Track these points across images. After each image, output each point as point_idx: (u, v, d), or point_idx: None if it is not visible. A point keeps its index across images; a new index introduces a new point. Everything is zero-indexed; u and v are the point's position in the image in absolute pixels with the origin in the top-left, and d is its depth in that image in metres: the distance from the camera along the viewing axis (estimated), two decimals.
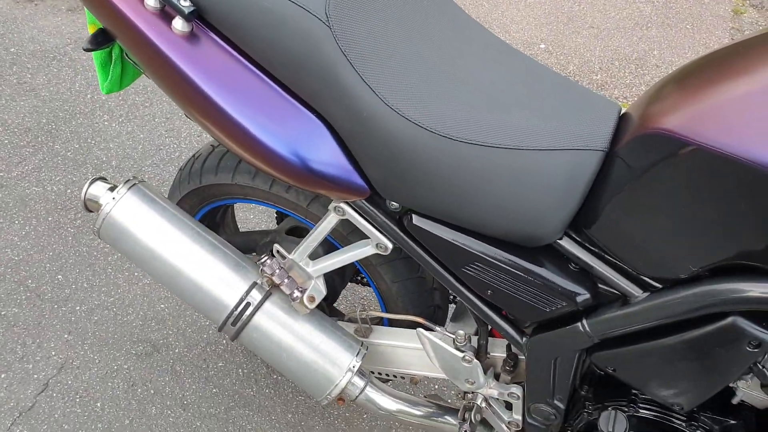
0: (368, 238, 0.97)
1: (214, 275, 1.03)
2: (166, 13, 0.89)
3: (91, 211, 1.06)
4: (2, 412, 1.47)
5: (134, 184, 1.05)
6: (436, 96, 0.83)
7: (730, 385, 0.85)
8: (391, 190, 0.88)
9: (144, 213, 1.03)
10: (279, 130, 0.87)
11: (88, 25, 1.03)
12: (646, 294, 0.80)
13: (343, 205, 0.95)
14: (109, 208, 1.02)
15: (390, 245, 0.95)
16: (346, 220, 0.97)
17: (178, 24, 0.87)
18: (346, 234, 1.08)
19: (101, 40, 0.99)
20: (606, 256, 0.82)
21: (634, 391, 0.94)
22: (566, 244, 0.84)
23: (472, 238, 0.88)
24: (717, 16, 3.00)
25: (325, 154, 0.87)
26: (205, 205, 1.27)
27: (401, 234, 0.93)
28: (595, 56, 2.74)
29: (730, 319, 0.73)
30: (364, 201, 0.92)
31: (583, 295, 0.84)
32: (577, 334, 0.86)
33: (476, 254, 0.88)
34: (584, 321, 0.85)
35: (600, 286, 0.84)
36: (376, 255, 0.99)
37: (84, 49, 0.98)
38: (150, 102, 2.33)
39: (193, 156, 1.22)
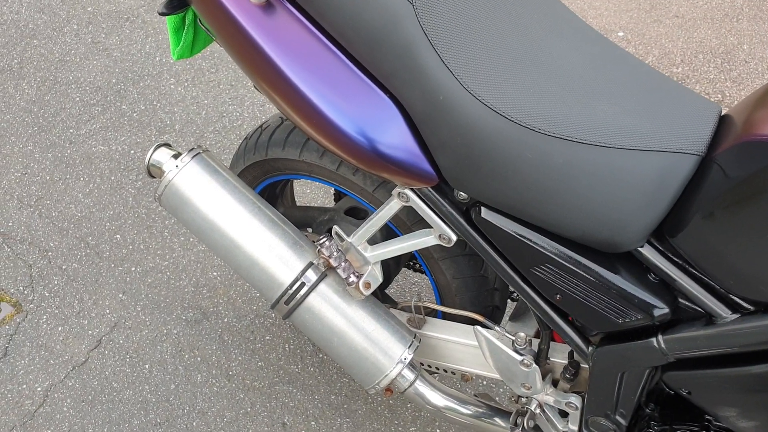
0: (431, 227, 0.93)
1: (272, 252, 1.01)
2: None
3: (153, 177, 1.06)
4: (57, 364, 1.52)
5: (198, 153, 1.04)
6: (521, 84, 0.77)
7: None
8: (462, 180, 0.83)
9: (206, 183, 1.01)
10: (348, 108, 0.84)
11: None
12: (734, 316, 0.74)
13: (408, 191, 0.91)
14: (172, 176, 1.01)
15: (454, 237, 0.91)
16: (410, 207, 0.92)
17: None
18: (409, 223, 1.04)
19: (176, 4, 0.97)
20: (691, 269, 0.76)
21: (708, 417, 0.88)
22: (648, 252, 0.77)
23: (545, 238, 0.82)
24: None
25: (394, 137, 0.83)
26: (268, 177, 1.25)
27: (467, 227, 0.88)
28: (678, 47, 2.57)
29: None
30: (430, 189, 0.88)
31: (662, 309, 0.78)
32: (650, 350, 0.80)
33: (548, 255, 0.82)
34: (660, 337, 0.79)
35: (682, 301, 0.78)
36: (440, 249, 0.95)
37: (159, 13, 0.96)
38: (216, 68, 2.33)
39: (261, 126, 1.20)
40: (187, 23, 1.03)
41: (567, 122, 0.74)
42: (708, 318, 0.76)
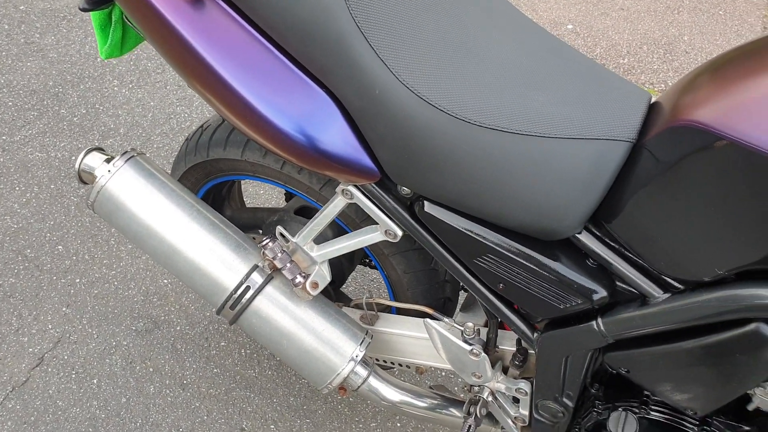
0: (377, 223, 0.92)
1: (213, 256, 0.98)
2: None
3: (85, 183, 1.02)
4: None
5: (132, 156, 1.00)
6: (457, 76, 0.77)
7: (747, 391, 0.81)
8: (403, 175, 0.82)
9: (141, 187, 0.97)
10: (285, 105, 0.82)
11: None
12: (666, 295, 0.75)
13: (351, 188, 0.89)
14: (105, 181, 0.97)
15: (399, 232, 0.90)
16: (356, 204, 0.91)
17: None
18: (358, 220, 1.03)
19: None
20: (626, 253, 0.77)
21: (646, 393, 0.90)
22: (585, 238, 0.79)
23: (487, 229, 0.83)
24: (750, 3, 2.87)
25: (333, 134, 0.82)
26: (211, 179, 1.22)
27: (412, 221, 0.88)
28: (624, 39, 2.63)
29: (752, 326, 0.70)
30: (373, 185, 0.87)
31: (600, 293, 0.79)
32: (591, 333, 0.82)
33: (490, 246, 0.82)
34: (599, 320, 0.81)
35: (618, 284, 0.80)
36: (389, 245, 0.94)
37: (80, 9, 0.92)
38: (162, 69, 2.27)
39: (201, 127, 1.17)
40: (114, 20, 1.00)
41: (502, 113, 0.74)
42: (642, 299, 0.78)
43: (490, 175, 0.76)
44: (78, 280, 1.64)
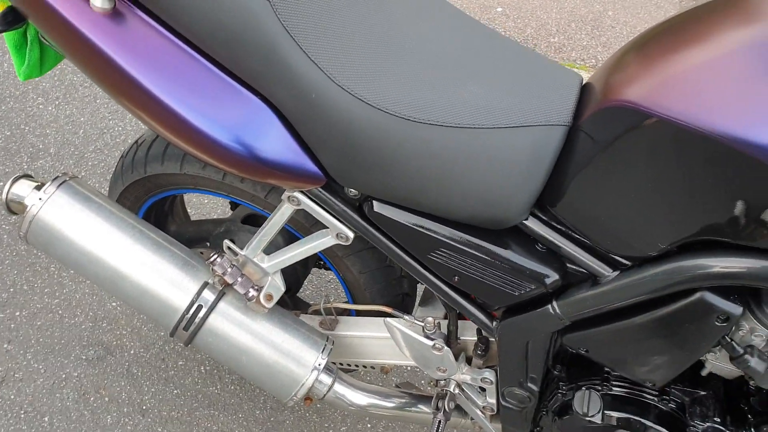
0: (327, 227, 0.90)
1: (161, 277, 0.94)
2: None
3: (15, 214, 0.96)
4: None
5: (64, 181, 0.95)
6: (392, 73, 0.76)
7: (700, 358, 0.84)
8: (348, 176, 0.81)
9: (77, 213, 0.93)
10: (218, 114, 0.79)
11: None
12: (615, 273, 0.77)
13: (297, 194, 0.87)
14: (36, 210, 0.92)
15: (351, 234, 0.89)
16: (304, 209, 0.89)
17: (98, 1, 0.77)
18: (308, 225, 1.01)
19: (11, 19, 0.87)
20: (573, 235, 0.79)
21: (606, 370, 0.93)
22: (532, 224, 0.80)
23: (436, 224, 0.83)
24: None
25: (272, 140, 0.80)
26: (152, 195, 1.17)
27: (362, 222, 0.87)
28: (552, 18, 2.68)
29: (698, 295, 0.72)
30: (320, 189, 0.85)
31: (552, 277, 0.80)
32: (547, 317, 0.83)
33: (441, 240, 0.82)
34: (554, 303, 0.82)
35: (569, 266, 0.81)
36: (342, 247, 0.92)
37: None
38: (90, 82, 2.17)
39: (136, 142, 1.12)
40: (29, 39, 0.94)
41: (438, 107, 0.74)
42: (593, 279, 0.79)
43: (433, 169, 0.76)
44: (18, 313, 1.56)
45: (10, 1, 0.86)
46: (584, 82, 0.83)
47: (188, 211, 1.42)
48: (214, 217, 1.79)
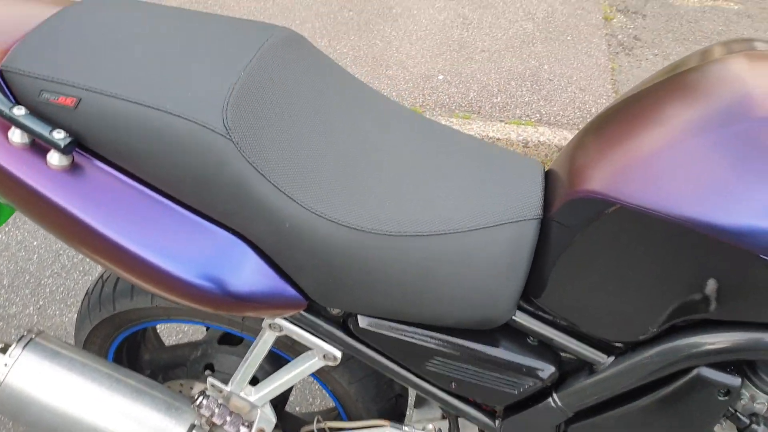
0: (312, 349, 0.88)
1: (144, 427, 0.89)
2: (38, 146, 0.78)
3: None
4: None
5: (30, 340, 0.90)
6: (362, 191, 0.76)
7: None
8: (330, 297, 0.79)
9: (48, 373, 0.88)
10: (189, 255, 0.77)
11: None
12: (611, 359, 0.77)
13: (279, 321, 0.85)
14: (2, 377, 0.87)
15: (338, 354, 0.87)
16: (287, 334, 0.87)
17: (55, 158, 0.76)
18: (290, 343, 0.98)
19: None
20: (563, 324, 0.79)
21: None
22: (521, 319, 0.80)
23: (427, 332, 0.82)
24: (591, 25, 3.16)
25: (248, 273, 0.78)
26: (122, 331, 1.12)
27: (349, 340, 0.85)
28: (492, 79, 2.79)
29: (694, 372, 0.73)
30: (302, 312, 0.84)
31: (549, 370, 0.80)
32: (550, 411, 0.82)
33: (434, 348, 0.81)
34: (554, 395, 0.81)
35: (563, 355, 0.80)
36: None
37: None
38: None
39: (101, 278, 1.09)
40: None
41: (412, 218, 0.75)
42: (590, 367, 0.79)
43: (416, 280, 0.75)
44: None
45: None
46: (546, 169, 0.85)
47: (157, 328, 1.37)
48: (187, 339, 1.74)
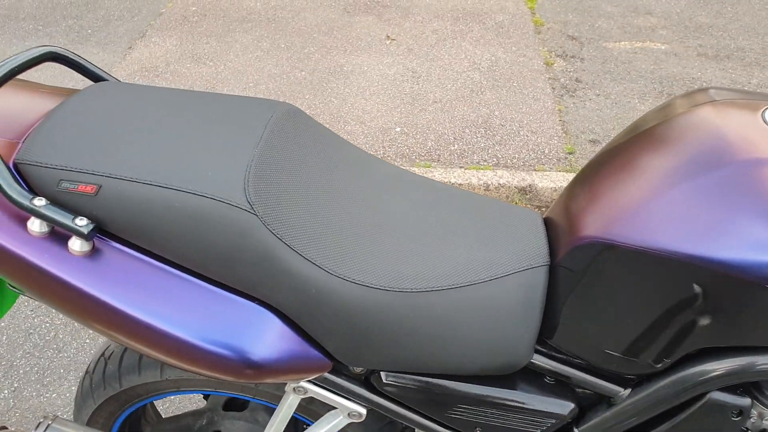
0: (335, 408, 0.90)
1: None
2: (57, 234, 0.79)
3: None
4: None
5: (48, 426, 0.89)
6: (376, 252, 0.81)
7: None
8: (356, 357, 0.83)
9: None
10: (218, 328, 0.79)
11: None
12: (628, 391, 0.82)
13: (303, 384, 0.88)
14: None
15: (363, 411, 0.89)
16: (311, 396, 0.89)
17: (77, 245, 0.77)
18: (305, 403, 1.00)
19: None
20: (579, 362, 0.84)
21: None
22: (539, 361, 0.84)
23: (449, 381, 0.86)
24: (534, 71, 3.36)
25: (275, 341, 0.81)
26: (128, 407, 1.11)
27: (372, 396, 0.88)
28: (447, 129, 2.92)
29: (707, 397, 0.78)
30: (326, 373, 0.86)
31: (569, 406, 0.84)
32: None
33: (458, 396, 0.85)
34: (576, 431, 0.85)
35: (580, 390, 0.85)
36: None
37: None
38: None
39: (103, 356, 1.07)
40: None
41: (430, 275, 0.80)
42: (608, 400, 0.84)
43: (439, 333, 0.80)
44: None
45: None
46: (543, 217, 0.92)
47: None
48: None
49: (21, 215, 0.79)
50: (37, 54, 0.88)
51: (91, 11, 3.99)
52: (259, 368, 0.80)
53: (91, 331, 1.93)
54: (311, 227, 0.80)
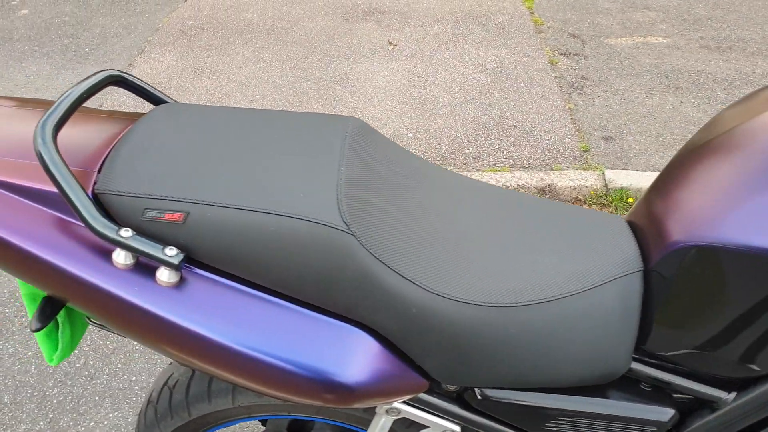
0: (428, 427, 0.88)
1: None
2: (142, 265, 0.76)
3: None
4: None
5: None
6: (470, 268, 0.79)
7: None
8: (454, 375, 0.81)
9: None
10: (316, 353, 0.77)
11: (24, 299, 0.84)
12: (732, 395, 0.81)
13: (397, 404, 0.85)
14: None
15: (458, 429, 0.87)
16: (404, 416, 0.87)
17: (165, 275, 0.74)
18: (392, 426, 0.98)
19: (50, 311, 0.81)
20: (680, 368, 0.83)
21: None
22: (638, 368, 0.83)
23: (546, 394, 0.84)
24: (539, 70, 3.37)
25: (374, 363, 0.78)
26: None
27: (467, 413, 0.86)
28: (460, 132, 2.90)
29: None
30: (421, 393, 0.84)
31: (668, 413, 0.83)
32: None
33: (555, 409, 0.83)
34: None
35: (677, 396, 0.84)
36: None
37: (33, 331, 0.79)
38: (23, 310, 2.00)
39: (166, 384, 1.04)
40: (60, 323, 0.87)
41: (531, 288, 0.78)
42: (710, 405, 0.83)
43: (538, 347, 0.78)
44: None
45: (45, 292, 0.80)
46: (626, 220, 0.91)
47: None
48: None
49: (103, 248, 0.76)
50: (100, 79, 0.85)
51: (86, 29, 3.94)
52: (357, 390, 0.78)
53: (121, 356, 1.89)
54: (405, 245, 0.78)
